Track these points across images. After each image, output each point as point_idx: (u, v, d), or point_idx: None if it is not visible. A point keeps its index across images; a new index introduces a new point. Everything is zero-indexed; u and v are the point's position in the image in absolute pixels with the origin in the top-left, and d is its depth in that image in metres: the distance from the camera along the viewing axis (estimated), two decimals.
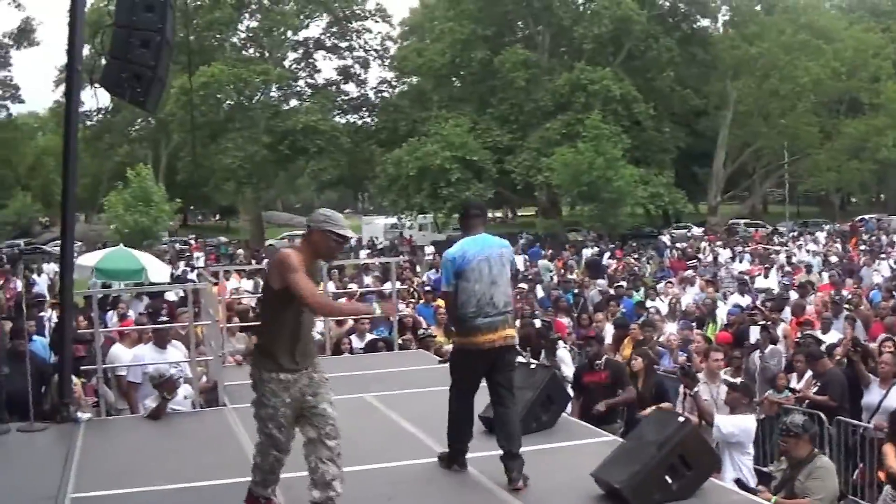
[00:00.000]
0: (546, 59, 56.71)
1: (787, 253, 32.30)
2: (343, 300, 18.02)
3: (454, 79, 60.21)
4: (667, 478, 6.52)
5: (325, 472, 5.96)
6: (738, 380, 10.27)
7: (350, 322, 14.27)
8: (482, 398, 7.49)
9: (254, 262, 34.82)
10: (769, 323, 14.39)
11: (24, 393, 9.11)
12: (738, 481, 8.60)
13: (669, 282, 22.96)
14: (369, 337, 14.30)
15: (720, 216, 60.15)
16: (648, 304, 18.86)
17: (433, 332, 14.55)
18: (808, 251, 34.68)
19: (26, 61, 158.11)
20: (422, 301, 19.25)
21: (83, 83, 10.32)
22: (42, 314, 15.85)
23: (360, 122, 64.85)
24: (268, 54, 61.51)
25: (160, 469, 7.77)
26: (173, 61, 13.11)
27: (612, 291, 21.81)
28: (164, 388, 9.45)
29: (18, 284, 23.42)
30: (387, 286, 18.80)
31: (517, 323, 14.58)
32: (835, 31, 55.28)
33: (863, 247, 34.54)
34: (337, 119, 61.72)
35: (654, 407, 9.82)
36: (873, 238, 40.48)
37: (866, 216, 59.07)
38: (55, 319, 13.80)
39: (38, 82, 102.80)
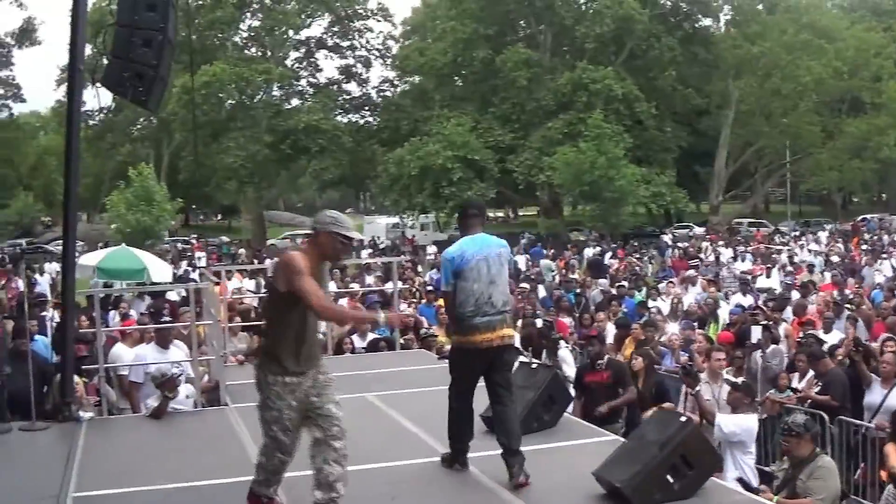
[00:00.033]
0: (548, 58, 56.67)
1: (788, 252, 32.30)
2: (345, 300, 18.17)
3: (456, 78, 60.18)
4: (668, 477, 6.52)
5: (330, 473, 5.96)
6: (739, 379, 10.28)
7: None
8: (483, 398, 7.48)
9: (255, 261, 34.85)
10: (771, 323, 14.40)
11: (26, 392, 9.12)
12: (740, 480, 8.62)
13: (671, 281, 22.96)
14: (371, 336, 14.31)
15: (722, 216, 60.12)
16: (650, 303, 18.87)
17: (435, 332, 14.56)
18: (809, 251, 34.67)
19: (28, 61, 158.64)
20: (423, 301, 19.27)
21: (85, 82, 10.33)
22: (44, 314, 15.90)
23: (361, 122, 64.92)
24: (269, 53, 61.53)
25: (162, 468, 7.77)
26: (175, 60, 13.12)
27: (613, 291, 21.83)
28: (166, 387, 9.46)
29: (20, 284, 23.48)
30: (388, 286, 18.80)
31: (519, 323, 14.71)
32: (836, 31, 55.26)
33: (864, 246, 34.51)
34: (339, 118, 61.77)
35: (656, 407, 9.82)
36: (875, 238, 40.47)
37: (868, 216, 59.09)
38: (57, 319, 13.86)
39: (40, 82, 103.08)
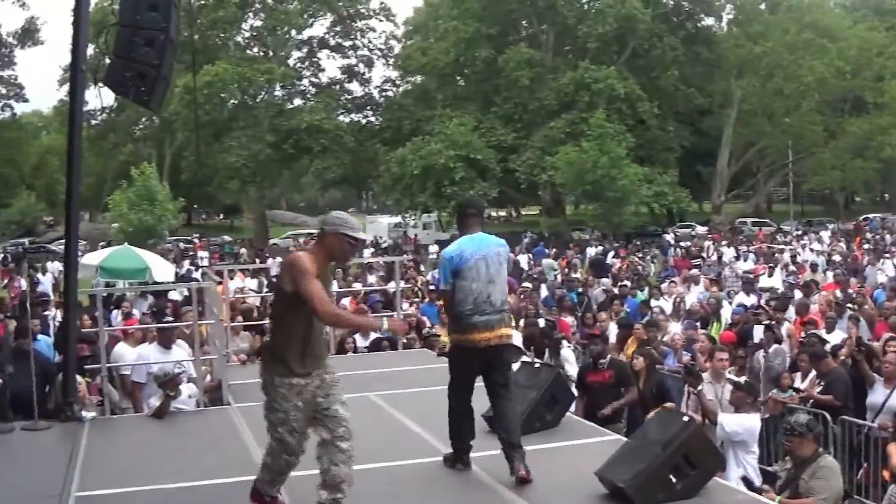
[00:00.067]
0: (550, 57, 56.67)
1: (791, 252, 32.27)
2: (348, 300, 18.17)
3: (458, 78, 60.10)
4: (671, 477, 6.51)
5: (337, 474, 5.96)
6: (742, 379, 10.27)
7: None
8: (484, 399, 7.49)
9: (257, 260, 34.84)
10: (773, 322, 14.39)
11: (29, 392, 9.12)
12: (745, 479, 8.62)
13: (673, 281, 22.92)
14: (373, 336, 14.30)
15: (724, 215, 60.15)
16: (652, 303, 18.85)
17: (437, 332, 14.55)
18: (812, 250, 34.64)
19: (31, 60, 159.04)
20: (426, 300, 19.26)
21: (87, 82, 10.29)
22: (46, 313, 15.87)
23: (364, 121, 64.91)
24: (272, 53, 61.53)
25: (164, 468, 7.77)
26: (177, 60, 13.11)
27: (616, 291, 21.80)
28: (168, 387, 9.46)
29: (23, 283, 23.48)
30: (391, 285, 18.80)
31: (521, 322, 14.71)
32: (839, 30, 55.32)
33: (867, 246, 34.47)
34: (341, 118, 61.79)
35: (659, 408, 9.81)
36: (877, 237, 40.44)
37: (870, 215, 59.09)
38: (59, 318, 13.86)
39: (42, 81, 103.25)
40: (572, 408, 9.76)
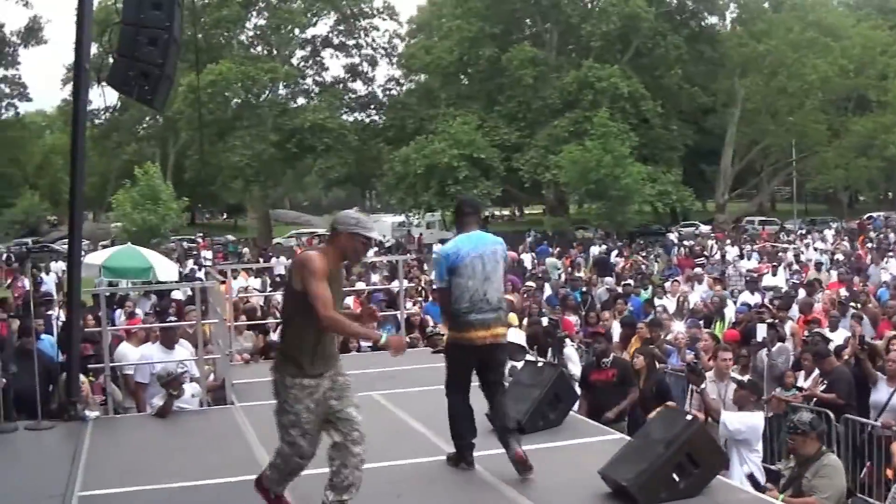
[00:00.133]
0: (554, 56, 56.68)
1: (794, 251, 32.25)
2: (351, 299, 18.16)
3: (462, 76, 60.08)
4: (674, 476, 6.52)
5: (346, 477, 5.92)
6: (745, 378, 10.26)
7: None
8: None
9: (261, 260, 34.85)
10: (777, 321, 14.38)
11: (32, 391, 9.13)
12: (751, 476, 8.61)
13: (677, 280, 22.91)
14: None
15: (728, 214, 60.14)
16: (656, 302, 18.83)
17: (440, 330, 14.53)
18: (815, 249, 34.60)
19: (34, 59, 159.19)
20: (429, 299, 19.25)
21: (91, 81, 10.32)
22: (50, 313, 15.90)
23: (367, 120, 64.90)
24: (275, 52, 61.59)
25: (167, 467, 7.78)
26: (181, 59, 13.13)
27: (619, 289, 21.79)
28: (171, 386, 9.47)
29: (26, 283, 23.47)
30: (394, 284, 18.79)
31: (525, 321, 14.70)
32: (842, 29, 55.30)
33: (870, 245, 34.44)
34: (344, 117, 61.75)
35: (662, 406, 9.80)
36: (881, 236, 40.42)
37: (874, 214, 59.05)
38: (63, 318, 13.87)
39: (45, 81, 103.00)
40: (576, 407, 9.75)
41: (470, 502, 6.96)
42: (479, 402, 7.50)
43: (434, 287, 9.00)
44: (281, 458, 6.16)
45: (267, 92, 58.77)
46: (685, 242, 42.40)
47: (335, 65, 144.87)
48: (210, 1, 57.05)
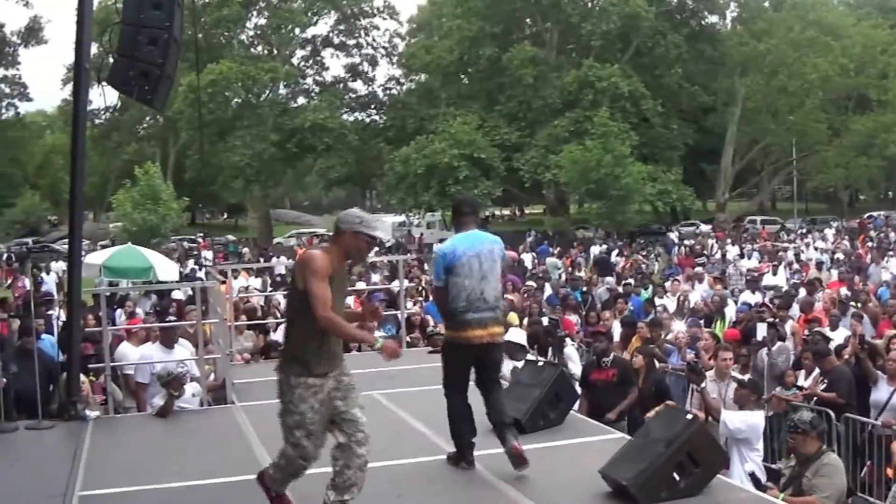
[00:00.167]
0: (554, 56, 56.68)
1: (795, 250, 32.24)
2: (351, 298, 18.15)
3: (462, 76, 60.13)
4: (675, 475, 6.51)
5: (349, 478, 5.92)
6: (745, 377, 10.27)
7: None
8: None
9: (261, 260, 34.86)
10: (777, 320, 14.38)
11: (33, 391, 9.13)
12: (753, 475, 8.61)
13: (677, 279, 22.91)
14: (377, 334, 14.27)
15: (728, 213, 60.13)
16: (656, 301, 18.83)
17: (440, 330, 14.54)
18: (816, 248, 34.59)
19: (34, 59, 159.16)
20: (430, 299, 19.24)
21: (91, 81, 10.31)
22: (50, 312, 15.90)
23: (367, 120, 64.95)
24: (276, 52, 61.64)
25: (167, 467, 7.77)
26: (181, 59, 13.13)
27: (620, 289, 21.80)
28: (172, 386, 9.47)
29: (27, 283, 23.52)
30: (395, 284, 18.78)
31: (525, 321, 14.70)
32: (843, 28, 55.33)
33: (871, 244, 34.42)
34: (345, 117, 61.81)
35: (662, 405, 9.80)
36: (881, 235, 40.38)
37: (875, 213, 59.01)
38: (63, 318, 13.87)
39: (46, 80, 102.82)
40: (576, 406, 9.75)
41: (470, 502, 6.95)
42: (478, 401, 7.49)
43: (432, 286, 9.01)
44: (285, 459, 6.12)
45: (267, 92, 58.83)
46: (685, 242, 42.37)
47: (335, 64, 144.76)
48: (210, 1, 57.07)
